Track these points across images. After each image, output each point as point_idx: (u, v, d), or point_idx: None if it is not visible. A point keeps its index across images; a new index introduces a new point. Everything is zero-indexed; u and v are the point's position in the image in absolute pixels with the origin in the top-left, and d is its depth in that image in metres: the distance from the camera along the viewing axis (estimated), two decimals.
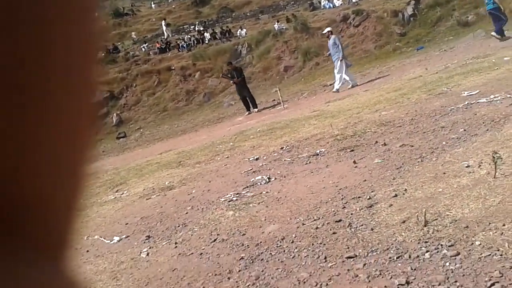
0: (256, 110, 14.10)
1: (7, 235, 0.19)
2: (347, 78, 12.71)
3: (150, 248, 3.97)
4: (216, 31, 28.32)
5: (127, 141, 17.52)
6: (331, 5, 27.74)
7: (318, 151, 5.75)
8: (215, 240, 3.72)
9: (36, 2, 0.19)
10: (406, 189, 3.69)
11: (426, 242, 2.74)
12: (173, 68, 24.55)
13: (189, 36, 28.49)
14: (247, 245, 3.42)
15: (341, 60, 12.52)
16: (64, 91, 0.20)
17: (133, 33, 31.86)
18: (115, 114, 21.61)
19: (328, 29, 13.48)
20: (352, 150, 5.38)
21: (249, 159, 6.43)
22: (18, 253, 0.19)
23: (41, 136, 0.19)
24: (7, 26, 0.18)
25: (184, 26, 32.11)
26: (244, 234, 3.67)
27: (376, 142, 5.44)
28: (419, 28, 20.55)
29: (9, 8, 0.18)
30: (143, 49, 28.06)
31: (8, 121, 0.18)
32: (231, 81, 14.83)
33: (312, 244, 3.12)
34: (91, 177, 0.23)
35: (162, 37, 29.46)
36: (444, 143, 4.67)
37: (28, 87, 0.18)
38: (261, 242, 3.40)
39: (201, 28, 30.35)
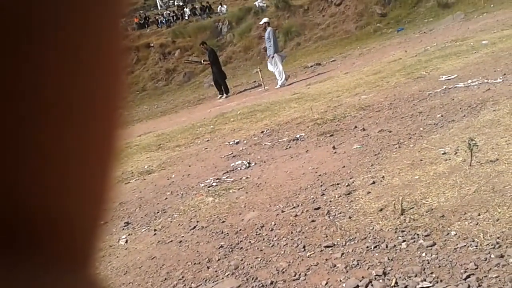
0: (222, 97, 13.59)
1: (32, 248, 0.19)
2: (277, 75, 12.26)
3: (129, 235, 3.95)
4: (196, 6, 27.86)
5: None
6: None
7: (298, 136, 5.76)
8: (194, 227, 3.72)
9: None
10: (383, 176, 3.73)
11: (402, 231, 2.78)
12: (152, 45, 24.13)
13: (169, 12, 27.98)
14: (227, 233, 3.43)
15: (272, 57, 12.04)
16: (87, 108, 0.20)
17: None
18: None
19: (265, 20, 12.58)
20: (332, 135, 5.40)
21: (229, 142, 6.41)
22: (44, 266, 0.20)
23: (67, 149, 0.19)
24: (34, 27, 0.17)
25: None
26: (223, 222, 3.67)
27: (355, 127, 5.47)
28: (399, 9, 20.55)
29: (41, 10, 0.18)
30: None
31: (30, 135, 0.18)
32: (201, 62, 14.49)
33: (291, 232, 3.14)
34: (115, 191, 0.23)
35: (155, 9, 28.98)
36: (421, 129, 4.73)
37: (50, 100, 0.18)
38: (240, 230, 3.41)
39: (181, 3, 29.83)
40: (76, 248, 0.22)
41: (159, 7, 29.20)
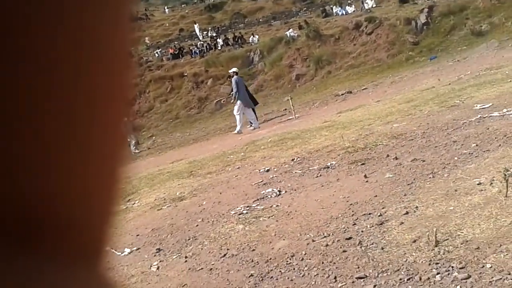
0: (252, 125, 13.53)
1: (42, 244, 0.19)
2: (238, 120, 12.82)
3: (160, 261, 3.99)
4: (229, 37, 28.50)
5: (140, 149, 17.70)
6: (344, 12, 27.80)
7: (329, 164, 5.75)
8: (224, 255, 3.73)
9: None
10: (417, 207, 3.68)
11: (437, 263, 2.72)
12: (185, 74, 24.74)
13: (202, 42, 28.71)
14: (257, 262, 3.43)
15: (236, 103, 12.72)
16: (100, 99, 0.20)
17: (146, 38, 32.08)
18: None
19: (233, 69, 13.41)
20: (363, 164, 5.37)
21: (259, 170, 6.44)
22: (53, 261, 0.19)
23: (75, 144, 0.19)
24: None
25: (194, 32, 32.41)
26: (254, 250, 3.68)
27: (388, 155, 5.42)
28: (432, 37, 20.45)
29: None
30: (157, 55, 28.25)
31: (42, 128, 0.18)
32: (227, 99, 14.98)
33: (322, 263, 3.12)
34: (123, 186, 0.23)
35: (196, 39, 30.00)
36: (456, 158, 4.65)
37: (62, 95, 0.18)
38: (270, 259, 3.41)
39: (214, 34, 30.58)
40: (87, 243, 0.21)
41: (199, 36, 30.34)
